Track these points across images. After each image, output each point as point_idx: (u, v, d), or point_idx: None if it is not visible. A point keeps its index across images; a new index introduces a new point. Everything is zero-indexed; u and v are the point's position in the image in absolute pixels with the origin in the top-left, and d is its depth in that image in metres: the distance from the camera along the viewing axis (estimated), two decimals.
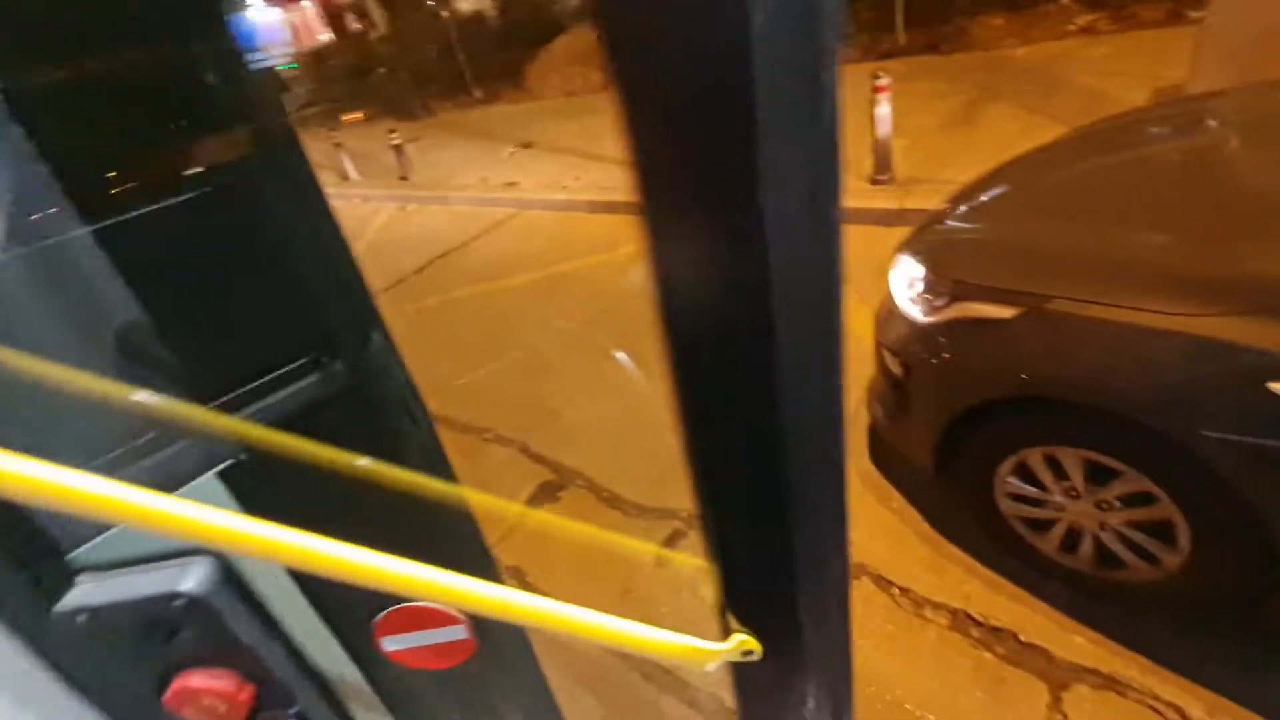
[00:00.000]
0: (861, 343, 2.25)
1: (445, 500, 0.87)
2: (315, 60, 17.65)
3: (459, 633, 0.68)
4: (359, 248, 5.23)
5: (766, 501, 0.48)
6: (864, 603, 1.95)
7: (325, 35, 16.88)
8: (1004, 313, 1.61)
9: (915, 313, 1.90)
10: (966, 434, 1.82)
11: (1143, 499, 1.53)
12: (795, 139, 0.34)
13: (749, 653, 0.56)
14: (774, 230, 0.35)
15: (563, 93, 10.82)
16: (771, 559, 0.52)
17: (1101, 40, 6.03)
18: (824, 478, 0.50)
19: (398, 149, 7.76)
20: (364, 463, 0.68)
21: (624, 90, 0.34)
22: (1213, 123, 2.06)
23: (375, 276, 5.46)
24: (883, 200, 4.12)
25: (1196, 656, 1.60)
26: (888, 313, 2.06)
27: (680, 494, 2.53)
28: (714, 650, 0.54)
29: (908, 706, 1.68)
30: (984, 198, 2.08)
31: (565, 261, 4.86)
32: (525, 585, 2.30)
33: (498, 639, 0.78)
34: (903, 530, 2.13)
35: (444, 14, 11.72)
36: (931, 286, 1.86)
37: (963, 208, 2.11)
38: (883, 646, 1.82)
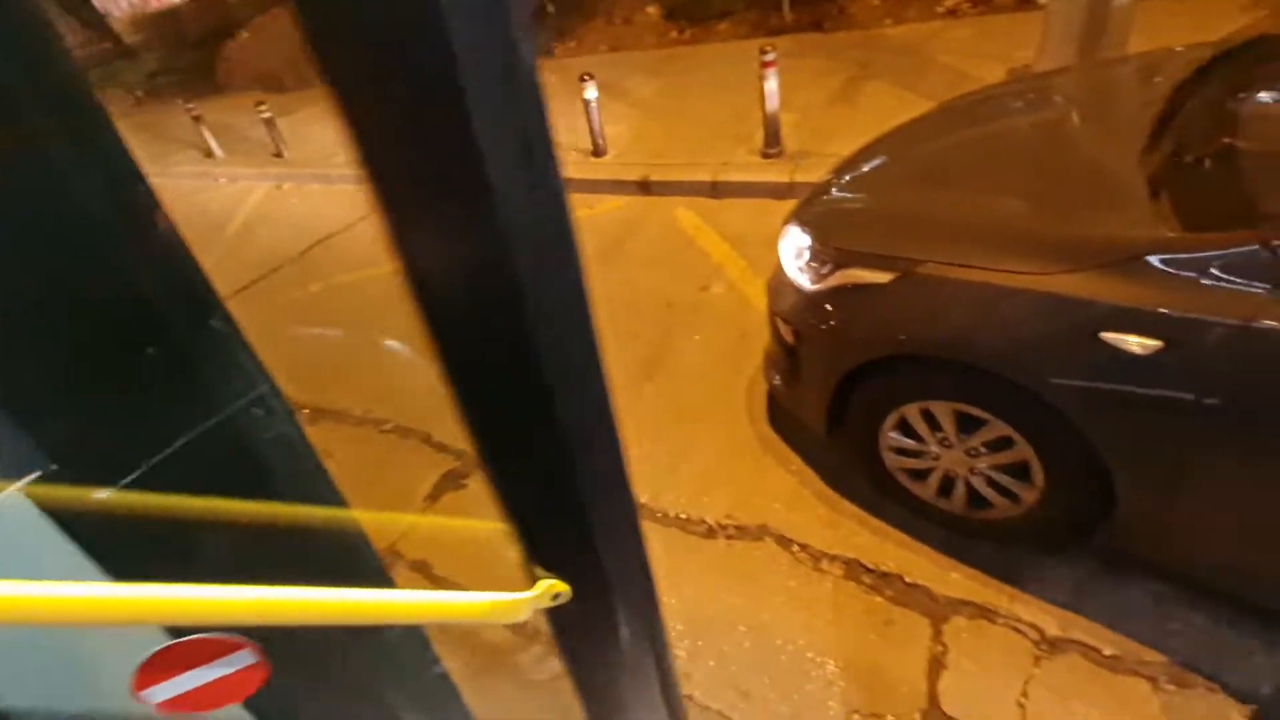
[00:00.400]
0: (759, 312, 2.31)
1: (312, 502, 0.81)
2: (166, 24, 15.78)
3: (245, 658, 0.59)
4: (229, 231, 4.82)
5: (544, 452, 0.51)
6: (769, 562, 2.04)
7: None
8: (881, 278, 1.71)
9: (803, 281, 1.98)
10: (853, 394, 1.93)
11: (1004, 444, 1.69)
12: (503, 112, 0.36)
13: (558, 595, 0.58)
14: (503, 202, 0.38)
15: None
16: (559, 503, 0.54)
17: (965, 22, 6.46)
18: (594, 421, 0.52)
19: (269, 123, 7.11)
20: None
21: (340, 90, 0.36)
22: (1055, 98, 2.26)
23: (251, 261, 5.04)
24: (774, 173, 4.25)
25: (1051, 580, 1.80)
26: (778, 282, 2.14)
27: None
28: (524, 599, 0.55)
29: (809, 655, 1.79)
30: (863, 169, 2.19)
31: None
32: (433, 580, 2.23)
33: (304, 652, 0.73)
34: (801, 490, 2.24)
35: None
36: (817, 255, 1.94)
37: (844, 179, 2.20)
38: (786, 602, 1.92)
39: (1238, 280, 1.20)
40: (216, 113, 9.76)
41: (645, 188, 4.70)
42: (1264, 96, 1.82)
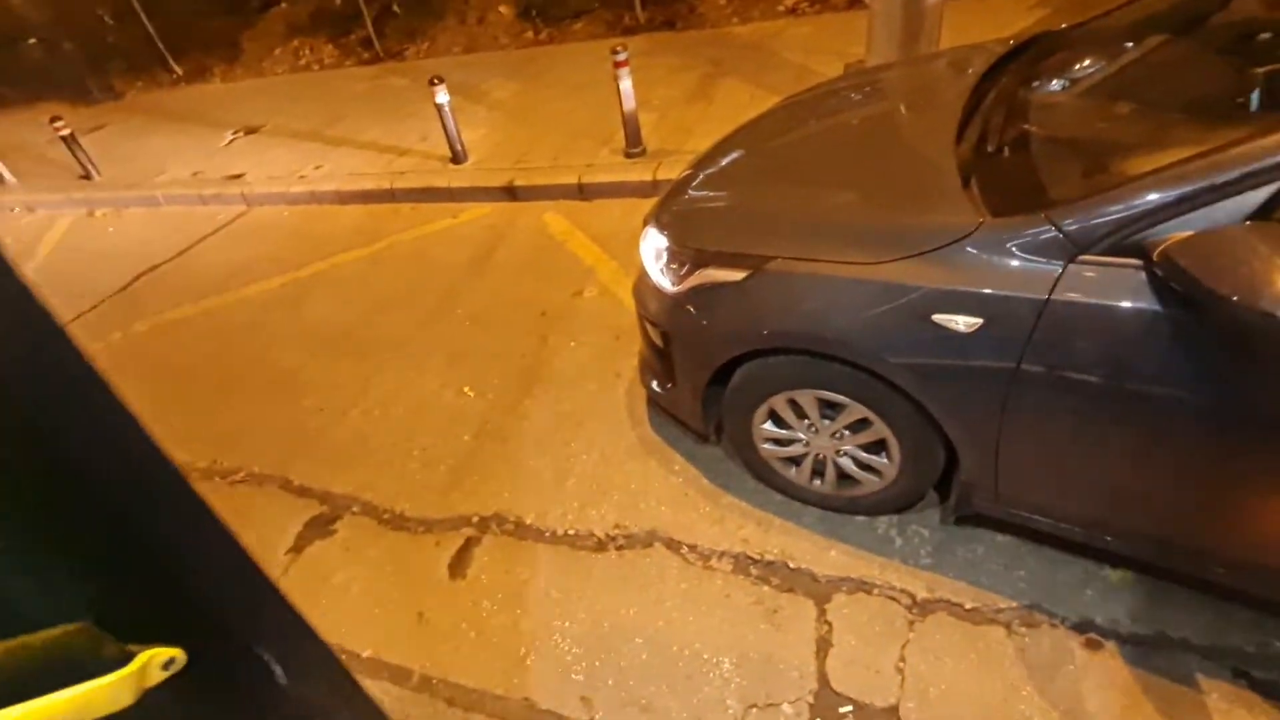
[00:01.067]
0: (632, 313, 2.29)
1: None
2: None
3: None
4: (30, 270, 4.18)
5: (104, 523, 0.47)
6: (660, 567, 2.03)
7: None
8: (735, 276, 1.73)
9: (665, 283, 1.97)
10: (723, 391, 1.96)
11: (863, 425, 1.77)
12: None
13: (170, 662, 0.51)
14: None
15: (288, 68, 9.51)
16: (132, 556, 0.49)
17: (805, 20, 6.85)
18: (131, 458, 0.49)
19: (69, 140, 6.18)
20: None
21: None
22: (881, 94, 2.41)
23: (63, 299, 4.36)
24: (638, 173, 4.27)
25: (915, 546, 1.92)
26: (643, 285, 2.12)
27: (471, 496, 2.41)
28: (120, 679, 0.47)
29: (705, 656, 1.79)
30: (711, 168, 2.22)
31: (313, 262, 4.31)
32: None
33: None
34: (686, 490, 2.25)
35: None
36: (675, 256, 1.94)
37: (696, 178, 2.22)
38: (679, 606, 1.91)
39: (1037, 258, 1.32)
40: (4, 131, 8.42)
41: (511, 193, 4.56)
42: (1048, 86, 2.04)
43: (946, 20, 4.02)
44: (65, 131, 6.09)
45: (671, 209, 2.10)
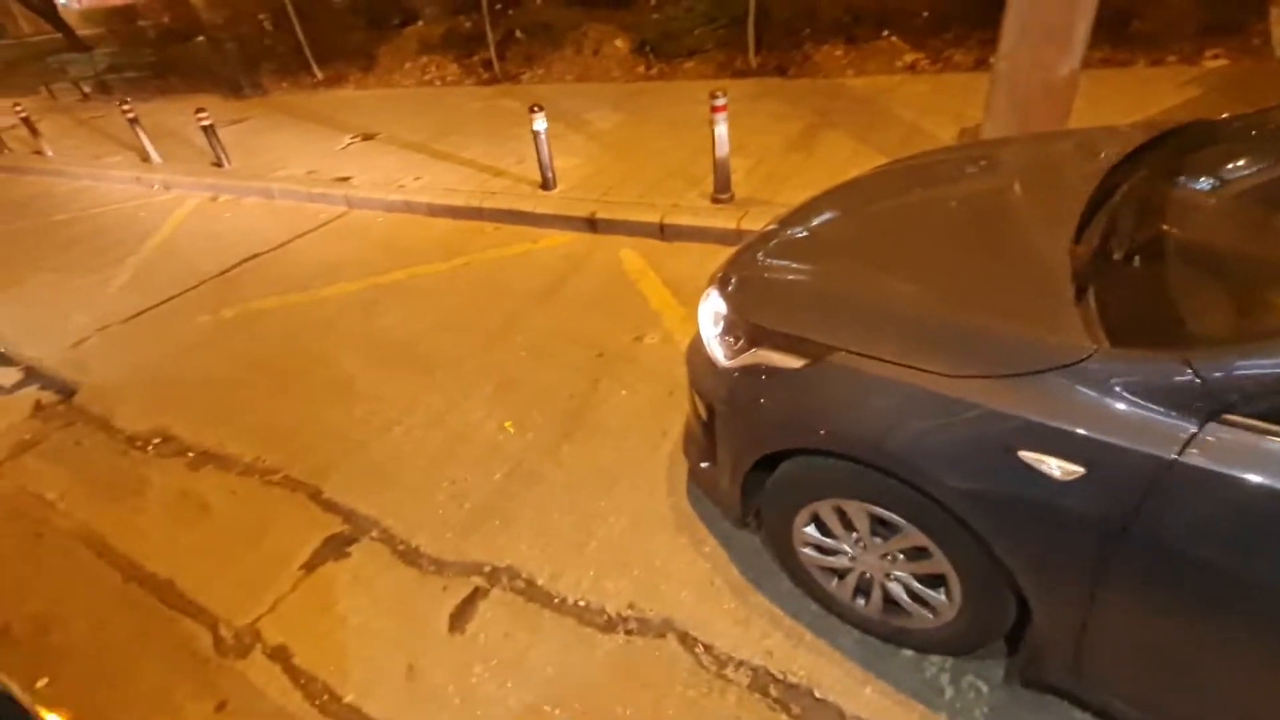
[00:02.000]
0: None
1: None
2: (122, 20, 15.30)
3: None
4: (151, 243, 4.50)
5: None
6: (669, 664, 1.82)
7: None
8: (793, 363, 1.54)
9: (718, 354, 1.80)
10: (766, 483, 1.75)
11: (921, 553, 1.52)
12: None
13: None
14: None
15: (415, 81, 10.12)
16: None
17: (923, 78, 6.57)
18: None
19: (209, 130, 6.76)
20: None
21: None
22: (991, 172, 2.16)
23: (165, 279, 4.69)
24: (722, 219, 4.13)
25: (968, 703, 1.63)
26: (696, 351, 1.96)
27: (489, 542, 2.29)
28: None
29: None
30: (789, 231, 2.04)
31: (392, 270, 4.42)
32: (291, 670, 1.95)
33: None
34: (713, 578, 2.04)
35: None
36: (732, 327, 1.78)
37: (770, 242, 2.05)
38: (681, 716, 1.70)
39: (1165, 408, 1.06)
40: (162, 115, 9.36)
41: (592, 225, 4.54)
42: (1196, 186, 1.74)
43: (1081, 91, 3.68)
44: (206, 122, 6.67)
45: (738, 272, 1.93)
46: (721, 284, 1.91)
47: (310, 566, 2.28)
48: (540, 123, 4.68)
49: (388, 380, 3.26)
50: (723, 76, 7.76)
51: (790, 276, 1.82)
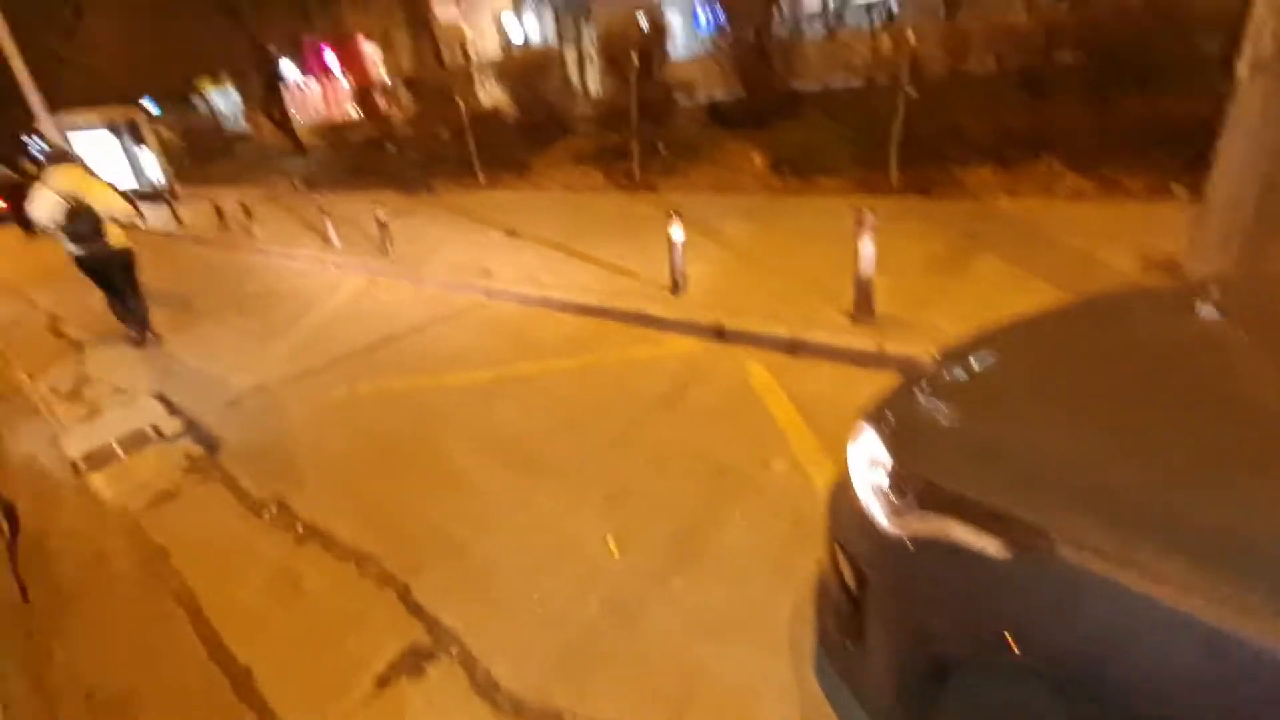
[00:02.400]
0: (822, 500, 1.80)
1: None
2: (337, 131, 18.22)
3: None
4: (316, 318, 4.86)
5: None
6: None
7: (353, 110, 17.52)
8: (989, 546, 1.19)
9: (876, 511, 1.47)
10: (936, 687, 1.35)
11: None
12: None
13: None
14: None
15: (562, 186, 10.96)
16: None
17: (1087, 203, 6.05)
18: None
19: (380, 222, 7.60)
20: None
21: None
22: (1235, 315, 1.73)
23: (318, 349, 5.07)
24: (861, 339, 3.82)
25: None
26: (842, 495, 1.64)
27: (574, 686, 1.98)
28: None
29: None
30: (973, 366, 1.71)
31: (519, 362, 4.48)
32: None
33: None
34: None
35: (463, 105, 12.08)
36: (898, 481, 1.45)
37: (946, 375, 1.73)
38: None
39: None
40: (348, 207, 10.70)
41: (719, 334, 4.39)
42: None
43: None
44: (381, 215, 7.49)
45: (902, 411, 1.63)
46: (881, 424, 1.60)
47: (382, 682, 2.07)
48: (676, 227, 4.72)
49: (498, 476, 3.16)
50: (860, 194, 7.65)
51: (981, 427, 1.48)
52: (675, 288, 4.96)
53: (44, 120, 14.13)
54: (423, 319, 5.65)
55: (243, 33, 17.71)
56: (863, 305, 4.00)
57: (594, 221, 8.00)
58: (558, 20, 15.26)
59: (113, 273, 5.55)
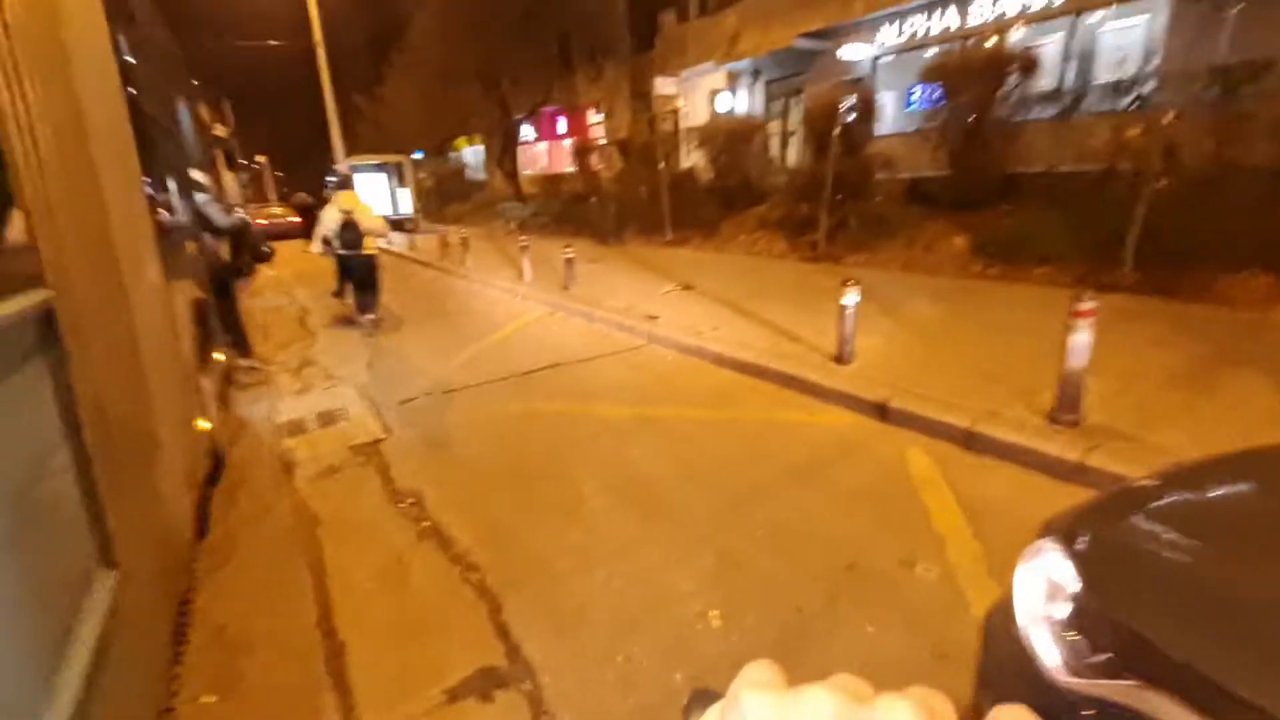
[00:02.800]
0: (975, 627, 1.44)
1: None
2: (553, 183, 20.33)
3: None
4: (495, 338, 5.27)
5: None
6: None
7: (570, 167, 19.51)
8: None
9: (1048, 654, 1.11)
10: None
11: None
12: None
13: None
14: None
15: (744, 249, 11.01)
16: None
17: None
18: None
19: (568, 262, 8.17)
20: None
21: None
22: None
23: (488, 367, 5.46)
24: (1059, 446, 3.18)
25: None
26: (1002, 626, 1.27)
27: None
28: None
29: None
30: (1206, 494, 1.28)
31: (663, 405, 4.41)
32: None
33: None
34: None
35: (663, 165, 12.81)
36: (1085, 621, 1.08)
37: (1168, 498, 1.31)
38: None
39: None
40: (547, 248, 11.72)
41: (881, 412, 3.95)
42: None
43: None
44: (569, 255, 8.06)
45: (1106, 531, 1.24)
46: (1067, 541, 1.23)
47: (454, 695, 2.01)
48: (850, 296, 4.41)
49: (614, 512, 3.06)
50: (1081, 288, 6.62)
51: (1214, 570, 1.06)
52: (841, 358, 4.60)
53: (340, 160, 17.54)
54: (585, 352, 5.86)
55: (497, 101, 20.70)
56: (1067, 406, 3.35)
57: (769, 286, 7.86)
58: (768, 97, 15.75)
59: (363, 272, 7.29)
